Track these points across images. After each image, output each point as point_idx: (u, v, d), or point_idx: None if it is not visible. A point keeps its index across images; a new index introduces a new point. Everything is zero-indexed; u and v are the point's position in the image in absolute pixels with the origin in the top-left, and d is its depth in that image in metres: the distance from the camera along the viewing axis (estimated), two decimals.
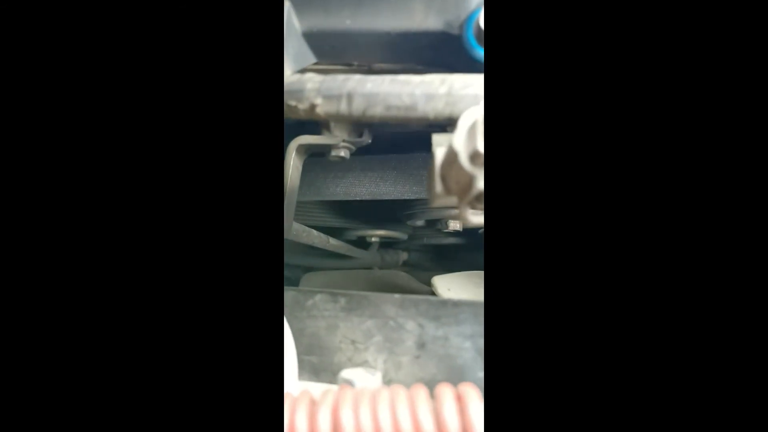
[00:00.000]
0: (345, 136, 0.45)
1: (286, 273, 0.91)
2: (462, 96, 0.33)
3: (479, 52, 0.37)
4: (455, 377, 0.36)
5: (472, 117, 0.22)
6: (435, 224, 0.78)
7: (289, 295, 0.40)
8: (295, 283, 0.88)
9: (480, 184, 0.21)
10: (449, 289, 0.69)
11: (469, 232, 0.80)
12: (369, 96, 0.33)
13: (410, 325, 0.37)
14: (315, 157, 0.51)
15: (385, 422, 0.25)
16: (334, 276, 0.87)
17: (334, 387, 0.29)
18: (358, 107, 0.34)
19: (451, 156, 0.23)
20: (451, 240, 0.89)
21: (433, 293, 0.71)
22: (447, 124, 0.33)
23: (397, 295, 0.38)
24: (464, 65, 0.37)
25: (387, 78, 0.34)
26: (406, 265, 0.99)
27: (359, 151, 0.48)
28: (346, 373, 0.33)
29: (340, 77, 0.34)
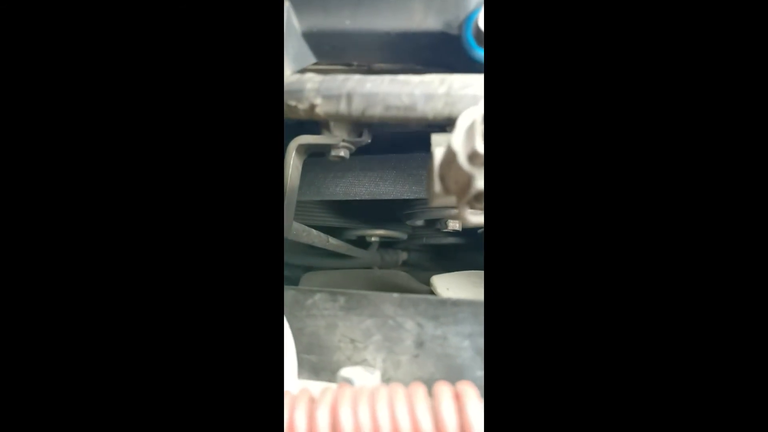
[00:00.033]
0: (345, 136, 0.45)
1: (286, 272, 0.91)
2: (461, 96, 0.33)
3: (478, 53, 0.37)
4: (454, 376, 0.36)
5: (471, 117, 0.23)
6: (434, 224, 0.78)
7: (288, 294, 0.40)
8: (295, 282, 0.88)
9: (478, 183, 0.22)
10: (448, 289, 0.69)
11: (468, 231, 0.80)
12: (368, 96, 0.33)
13: (409, 324, 0.38)
14: (315, 156, 0.51)
15: (384, 420, 0.25)
16: (333, 275, 0.87)
17: (333, 385, 0.29)
18: (357, 107, 0.34)
19: (450, 156, 0.23)
20: (451, 240, 0.89)
21: (432, 293, 0.71)
22: (446, 124, 0.34)
23: (396, 295, 0.38)
24: (463, 65, 0.38)
25: (386, 78, 0.34)
26: (406, 265, 0.99)
27: (359, 151, 0.48)
28: (345, 372, 0.33)
29: (340, 77, 0.34)
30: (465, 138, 0.22)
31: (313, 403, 0.26)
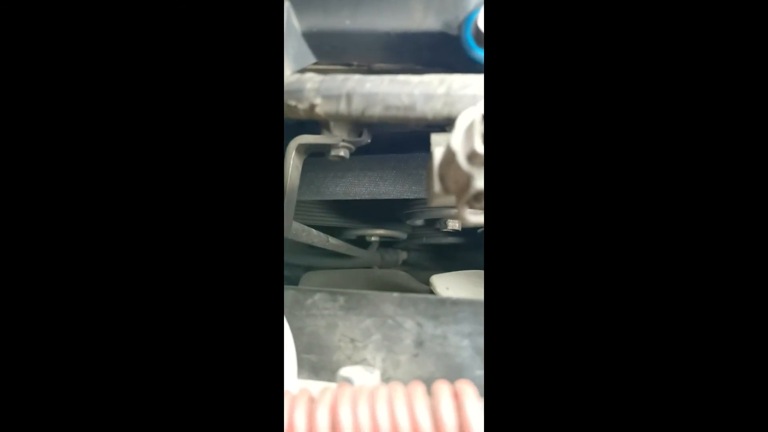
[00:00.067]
0: (344, 136, 0.45)
1: (286, 272, 0.91)
2: (460, 96, 0.33)
3: (478, 53, 0.37)
4: (453, 375, 0.36)
5: (470, 117, 0.23)
6: (434, 224, 0.78)
7: (288, 294, 0.40)
8: (295, 282, 0.88)
9: (477, 183, 0.22)
10: (448, 288, 0.69)
11: (467, 231, 0.80)
12: (368, 96, 0.33)
13: (409, 323, 0.38)
14: (315, 156, 0.51)
15: (383, 420, 0.25)
16: (333, 275, 0.87)
17: (332, 385, 0.29)
18: (357, 107, 0.34)
19: (449, 156, 0.23)
20: (450, 239, 0.89)
21: (431, 292, 0.71)
22: (445, 124, 0.34)
23: (395, 294, 0.38)
24: (463, 65, 0.38)
25: (386, 78, 0.34)
26: (406, 265, 0.99)
27: (359, 151, 0.48)
28: (344, 371, 0.33)
29: (340, 77, 0.34)
30: (464, 138, 0.22)
31: (312, 402, 0.26)
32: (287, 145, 0.45)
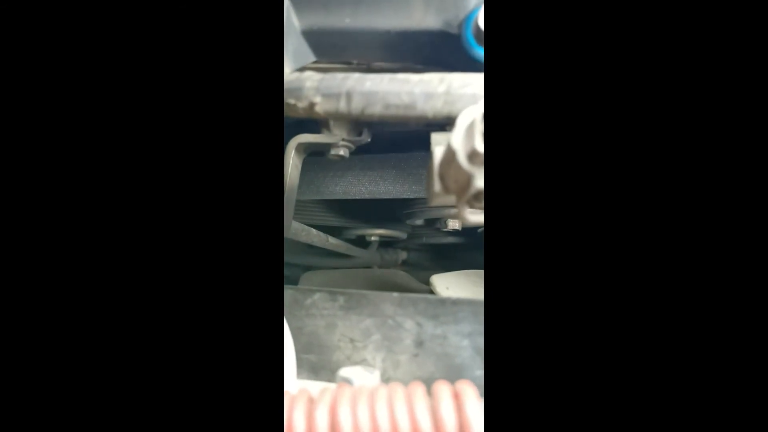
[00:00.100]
0: (344, 135, 0.45)
1: (285, 272, 0.91)
2: (460, 95, 0.33)
3: (478, 51, 0.37)
4: (453, 376, 0.36)
5: (470, 116, 0.22)
6: (434, 223, 0.78)
7: (288, 293, 0.40)
8: (295, 281, 0.88)
9: (478, 182, 0.22)
10: (448, 288, 0.69)
11: (467, 231, 0.80)
12: (368, 94, 0.33)
13: (409, 323, 0.37)
14: (314, 155, 0.51)
15: (383, 420, 0.25)
16: (333, 275, 0.87)
17: (332, 385, 0.29)
18: (357, 106, 0.34)
19: (450, 155, 0.23)
20: (450, 239, 0.89)
21: (431, 292, 0.71)
22: (446, 123, 0.33)
23: (395, 294, 0.38)
24: (463, 64, 0.37)
25: (386, 77, 0.34)
26: (405, 264, 0.99)
27: (358, 150, 0.48)
28: (344, 372, 0.33)
29: (339, 76, 0.34)
30: (465, 137, 0.22)
31: (312, 403, 0.26)
32: (287, 144, 0.45)
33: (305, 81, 0.35)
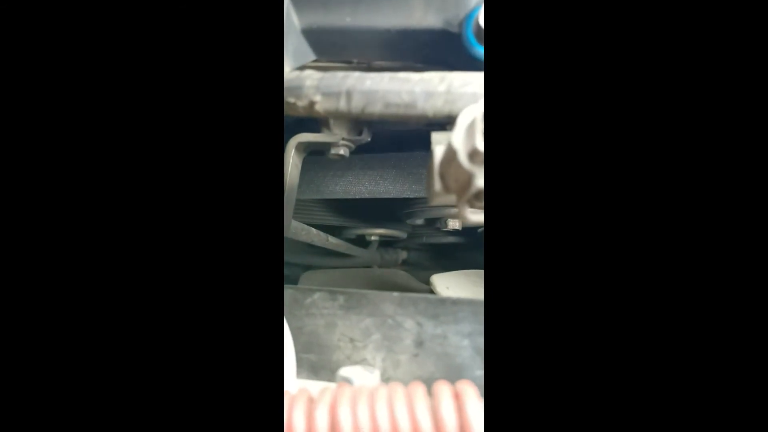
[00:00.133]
0: (344, 134, 0.45)
1: (285, 271, 0.91)
2: (461, 94, 0.32)
3: (478, 50, 0.37)
4: (453, 375, 0.36)
5: (471, 115, 0.22)
6: (434, 223, 0.78)
7: (287, 293, 0.40)
8: (294, 281, 0.88)
9: (478, 182, 0.21)
10: (448, 288, 0.69)
11: (467, 231, 0.80)
12: (368, 93, 0.33)
13: (409, 323, 0.37)
14: (314, 155, 0.51)
15: (383, 420, 0.25)
16: (333, 274, 0.87)
17: (332, 385, 0.29)
18: (357, 104, 0.33)
19: (450, 154, 0.22)
20: (450, 239, 0.89)
21: (431, 292, 0.71)
22: (446, 122, 0.33)
23: (395, 294, 0.38)
24: (463, 63, 0.37)
25: (386, 75, 0.33)
26: (405, 264, 0.99)
27: (359, 149, 0.48)
28: (344, 371, 0.33)
29: (340, 74, 0.34)
30: (465, 136, 0.22)
31: (311, 402, 0.26)
32: (287, 143, 0.45)
33: (305, 80, 0.34)
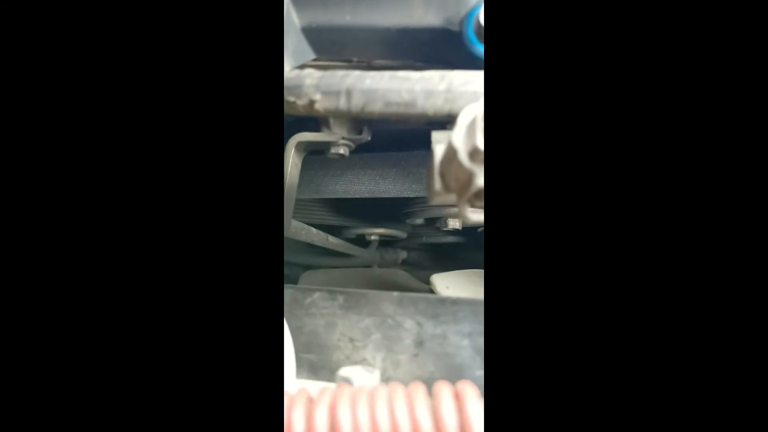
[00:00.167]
0: (344, 133, 0.44)
1: (285, 271, 0.91)
2: (461, 93, 0.32)
3: (479, 49, 0.37)
4: (453, 375, 0.36)
5: (472, 114, 0.22)
6: (434, 222, 0.78)
7: (287, 293, 0.40)
8: (294, 281, 0.88)
9: (479, 181, 0.21)
10: (448, 287, 0.69)
11: (468, 230, 0.80)
12: (368, 92, 0.33)
13: (409, 323, 0.37)
14: (314, 154, 0.50)
15: (383, 420, 0.25)
16: (333, 274, 0.87)
17: (331, 385, 0.29)
18: (357, 103, 0.33)
19: (451, 153, 0.22)
20: (450, 238, 0.89)
21: (431, 291, 0.71)
22: (446, 121, 0.33)
23: (395, 293, 0.38)
24: (464, 62, 0.37)
25: (386, 74, 0.33)
26: (405, 264, 0.99)
27: (359, 149, 0.47)
28: (344, 371, 0.33)
29: (339, 73, 0.34)
30: (466, 135, 0.22)
31: (311, 402, 0.26)
32: (286, 142, 0.45)
33: (305, 78, 0.34)
